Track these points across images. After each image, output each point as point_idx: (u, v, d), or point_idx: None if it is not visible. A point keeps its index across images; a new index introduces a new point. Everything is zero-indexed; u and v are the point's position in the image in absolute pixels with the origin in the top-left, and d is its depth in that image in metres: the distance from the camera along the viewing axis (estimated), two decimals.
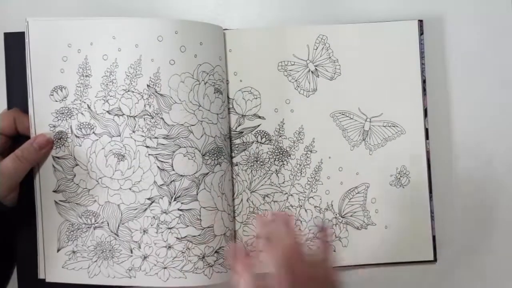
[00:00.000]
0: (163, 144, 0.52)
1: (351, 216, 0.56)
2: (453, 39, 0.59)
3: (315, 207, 0.56)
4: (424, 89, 0.57)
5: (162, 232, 0.52)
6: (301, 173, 0.56)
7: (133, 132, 0.52)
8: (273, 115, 0.56)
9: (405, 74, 0.57)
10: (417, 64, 0.57)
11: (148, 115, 0.52)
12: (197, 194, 0.52)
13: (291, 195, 0.56)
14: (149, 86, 0.52)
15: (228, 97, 0.56)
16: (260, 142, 0.56)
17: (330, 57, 0.56)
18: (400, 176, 0.56)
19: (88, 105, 0.52)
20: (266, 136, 0.56)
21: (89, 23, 0.52)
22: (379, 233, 0.57)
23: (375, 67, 0.56)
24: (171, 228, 0.52)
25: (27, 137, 0.52)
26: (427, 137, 0.57)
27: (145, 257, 0.52)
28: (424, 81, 0.57)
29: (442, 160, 0.59)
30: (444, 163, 0.59)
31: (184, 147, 0.52)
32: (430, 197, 0.57)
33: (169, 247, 0.52)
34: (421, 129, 0.57)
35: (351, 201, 0.56)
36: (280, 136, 0.56)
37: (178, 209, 0.52)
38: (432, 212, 0.57)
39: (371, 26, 0.57)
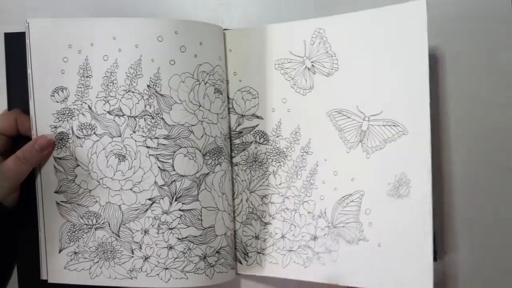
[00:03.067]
0: (163, 145, 0.52)
1: (343, 226, 0.52)
2: (452, 38, 0.59)
3: (308, 213, 0.54)
4: None
5: (163, 232, 0.52)
6: (297, 175, 0.55)
7: (134, 132, 0.52)
8: (270, 115, 0.56)
9: (410, 62, 0.50)
10: (424, 49, 0.49)
11: (149, 116, 0.52)
12: (198, 194, 0.52)
13: (287, 197, 0.55)
14: (149, 86, 0.52)
15: (228, 97, 0.56)
16: (259, 142, 0.56)
17: (327, 52, 0.54)
18: (399, 185, 0.49)
19: (89, 105, 0.52)
20: (264, 136, 0.56)
21: (89, 23, 0.52)
22: (371, 252, 0.50)
23: (376, 58, 0.51)
24: (172, 228, 0.52)
25: (28, 138, 0.52)
26: None
27: (146, 258, 0.52)
28: None
29: (441, 160, 0.59)
30: (444, 163, 0.59)
31: (185, 147, 0.52)
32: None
33: (170, 247, 0.52)
34: (426, 130, 0.48)
35: (344, 209, 0.52)
36: (277, 137, 0.56)
37: (179, 209, 0.52)
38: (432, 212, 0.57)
39: (371, 12, 0.52)
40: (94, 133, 0.52)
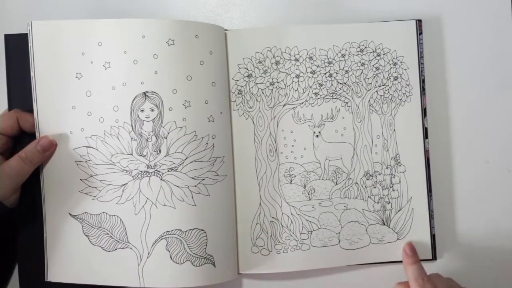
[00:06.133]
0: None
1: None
2: (452, 38, 0.60)
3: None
4: (423, 89, 0.57)
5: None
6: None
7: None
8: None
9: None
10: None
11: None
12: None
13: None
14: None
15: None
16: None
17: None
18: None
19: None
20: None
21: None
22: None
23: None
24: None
25: (32, 136, 0.52)
26: (426, 137, 0.57)
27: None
28: (423, 81, 0.57)
29: (441, 159, 0.59)
30: (443, 162, 0.59)
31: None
32: (430, 196, 0.57)
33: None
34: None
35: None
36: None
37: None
38: (432, 211, 0.57)
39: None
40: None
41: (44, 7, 0.59)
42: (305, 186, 0.57)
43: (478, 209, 0.59)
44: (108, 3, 0.60)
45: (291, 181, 0.57)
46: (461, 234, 0.59)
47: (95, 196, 0.53)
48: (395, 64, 0.58)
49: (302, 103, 0.57)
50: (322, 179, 0.57)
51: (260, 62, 0.57)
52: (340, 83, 0.57)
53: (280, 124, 0.57)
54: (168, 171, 0.52)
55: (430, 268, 0.57)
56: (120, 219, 0.53)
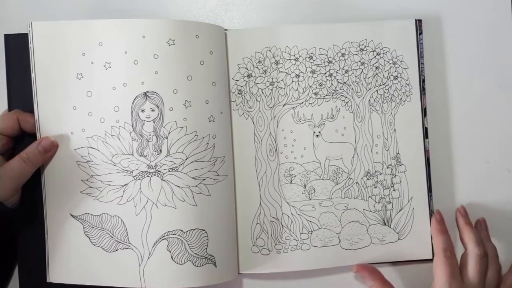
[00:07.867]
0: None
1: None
2: (452, 38, 0.60)
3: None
4: (423, 89, 0.57)
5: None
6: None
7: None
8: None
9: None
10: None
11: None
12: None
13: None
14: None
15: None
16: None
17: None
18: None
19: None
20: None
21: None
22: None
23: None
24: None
25: (32, 136, 0.52)
26: (426, 136, 0.57)
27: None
28: (423, 81, 0.57)
29: (441, 159, 0.59)
30: (443, 162, 0.59)
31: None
32: (430, 196, 0.57)
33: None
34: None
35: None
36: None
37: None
38: (432, 211, 0.57)
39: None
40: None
41: (44, 7, 0.59)
42: (305, 186, 0.57)
43: (478, 209, 0.59)
44: (108, 3, 0.60)
45: (291, 181, 0.57)
46: None
47: (96, 197, 0.53)
48: (395, 63, 0.58)
49: (302, 102, 0.57)
50: (322, 179, 0.57)
51: (260, 62, 0.57)
52: (340, 83, 0.57)
53: (280, 124, 0.57)
54: (169, 171, 0.52)
55: (430, 267, 0.57)
56: (121, 220, 0.53)
